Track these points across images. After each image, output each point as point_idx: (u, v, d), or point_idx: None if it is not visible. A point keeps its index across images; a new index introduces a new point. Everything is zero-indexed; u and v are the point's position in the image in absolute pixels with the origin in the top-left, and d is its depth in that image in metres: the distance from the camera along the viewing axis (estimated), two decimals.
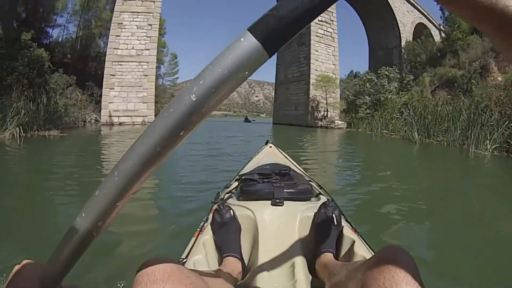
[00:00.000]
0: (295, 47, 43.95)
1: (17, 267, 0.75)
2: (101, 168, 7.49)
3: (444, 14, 41.73)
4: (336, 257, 1.64)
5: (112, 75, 30.19)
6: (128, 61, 30.79)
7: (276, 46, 0.56)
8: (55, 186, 5.63)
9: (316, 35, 41.17)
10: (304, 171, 2.94)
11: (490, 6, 0.54)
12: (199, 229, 1.87)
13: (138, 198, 4.78)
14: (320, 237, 1.70)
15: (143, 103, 30.77)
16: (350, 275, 0.99)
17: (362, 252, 1.55)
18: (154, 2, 32.26)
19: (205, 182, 6.04)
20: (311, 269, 1.60)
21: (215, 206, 1.92)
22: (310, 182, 2.42)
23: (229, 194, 2.23)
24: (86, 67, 36.72)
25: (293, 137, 20.61)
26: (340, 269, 1.18)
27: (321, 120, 38.60)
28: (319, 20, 40.92)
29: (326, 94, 39.09)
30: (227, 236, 1.75)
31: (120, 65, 30.56)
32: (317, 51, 41.02)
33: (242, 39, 0.55)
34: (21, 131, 13.11)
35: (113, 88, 30.04)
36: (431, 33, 49.05)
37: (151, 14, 32.05)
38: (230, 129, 29.15)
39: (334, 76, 41.06)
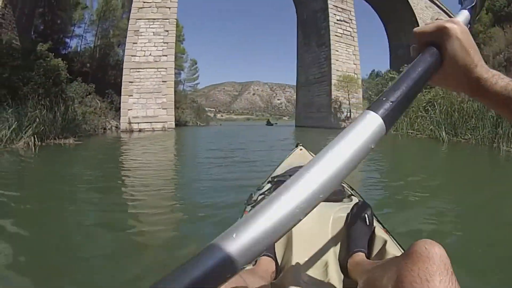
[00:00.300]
0: (315, 48, 43.70)
1: None
2: (105, 180, 7.19)
3: None
4: (368, 256, 1.61)
5: (130, 82, 30.16)
6: (146, 68, 30.74)
7: (393, 120, 0.67)
8: (53, 200, 5.34)
9: (336, 35, 40.78)
10: None
11: (506, 95, 0.74)
12: None
13: (169, 208, 5.03)
14: (353, 237, 1.67)
15: (163, 109, 30.58)
16: (384, 270, 0.96)
17: (394, 251, 1.54)
18: (169, 8, 32.32)
19: (236, 186, 6.08)
20: (343, 268, 1.59)
21: (249, 208, 1.98)
22: (342, 184, 2.39)
23: (263, 195, 2.24)
24: (105, 75, 36.99)
25: (318, 140, 20.03)
26: (373, 267, 1.16)
27: (344, 121, 38.01)
28: (337, 20, 40.87)
29: (348, 95, 38.66)
30: None
31: (138, 71, 30.51)
32: (337, 51, 40.58)
33: (367, 116, 0.64)
34: (36, 140, 12.95)
35: (131, 95, 30.02)
36: None
37: (167, 20, 32.10)
38: (252, 134, 28.44)
39: (355, 76, 40.69)
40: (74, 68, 28.75)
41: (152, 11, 31.64)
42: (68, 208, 4.81)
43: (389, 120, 0.64)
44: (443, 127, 16.55)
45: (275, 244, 1.69)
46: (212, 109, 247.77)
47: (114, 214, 4.51)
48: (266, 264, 1.61)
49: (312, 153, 3.43)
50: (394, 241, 1.67)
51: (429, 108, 20.35)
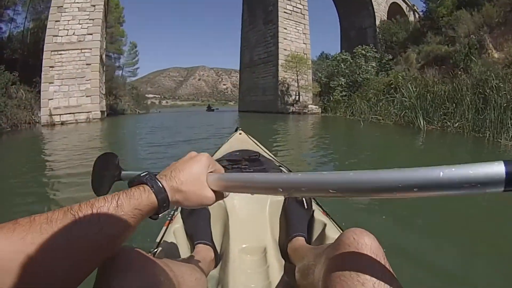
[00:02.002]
0: (261, 26, 41.48)
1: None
2: None
3: None
4: (309, 240, 1.68)
5: (51, 67, 26.17)
6: (69, 49, 26.73)
7: None
8: None
9: (285, 12, 38.48)
10: (274, 157, 2.96)
11: None
12: (169, 218, 1.86)
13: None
14: (291, 222, 1.73)
15: (86, 96, 26.70)
16: (317, 258, 0.98)
17: (334, 235, 1.57)
18: None
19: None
20: (284, 253, 1.63)
21: None
22: (280, 167, 2.50)
23: None
24: (38, 62, 32.57)
25: (261, 128, 17.58)
26: (310, 252, 1.21)
27: (292, 105, 35.94)
28: None
29: (297, 76, 36.27)
30: (197, 224, 1.77)
31: (60, 54, 26.49)
32: (285, 29, 38.33)
33: (496, 165, 0.60)
34: None
35: (52, 82, 25.98)
36: (405, 13, 49.61)
37: None
38: (187, 122, 25.53)
39: (305, 56, 38.20)
40: (4, 55, 26.80)
41: None
42: None
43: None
44: (420, 112, 13.75)
45: (213, 231, 1.76)
46: (157, 96, 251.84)
47: None
48: (204, 252, 1.60)
49: (251, 137, 3.45)
50: (334, 224, 1.70)
51: (393, 91, 17.96)
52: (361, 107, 21.97)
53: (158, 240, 1.63)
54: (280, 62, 36.86)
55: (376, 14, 46.86)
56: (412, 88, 15.54)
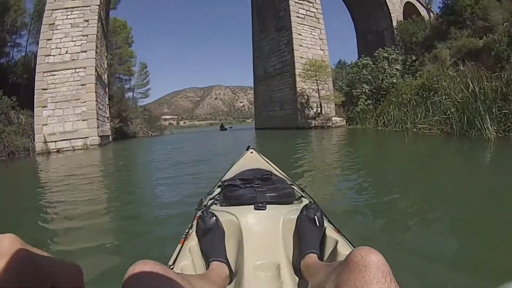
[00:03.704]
0: (274, 34, 38.85)
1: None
2: None
3: None
4: (321, 257, 1.68)
5: (44, 89, 23.85)
6: (62, 69, 24.35)
7: None
8: None
9: (298, 16, 35.74)
10: (286, 175, 2.96)
11: None
12: (184, 236, 1.89)
13: (122, 209, 5.13)
14: (304, 239, 1.74)
15: (83, 120, 23.99)
16: (328, 276, 1.02)
17: (346, 251, 1.58)
18: None
19: (188, 190, 5.87)
20: (297, 270, 1.65)
21: (199, 213, 1.99)
22: (292, 186, 2.49)
23: (212, 200, 2.30)
24: None
25: (279, 150, 14.41)
26: (322, 269, 1.24)
27: (314, 118, 32.86)
28: None
29: (317, 85, 33.13)
30: (212, 242, 1.79)
31: (53, 75, 24.14)
32: (300, 34, 35.56)
33: None
34: None
35: (46, 106, 23.55)
36: (420, 13, 48.68)
37: (88, 8, 25.79)
38: (194, 147, 21.85)
39: (324, 63, 34.97)
40: (9, 80, 26.64)
41: None
42: None
43: None
44: (486, 115, 10.56)
45: (227, 249, 1.77)
46: (175, 117, 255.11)
47: None
48: (219, 269, 1.62)
49: (263, 156, 3.44)
50: (346, 240, 1.73)
51: (431, 94, 16.03)
52: (396, 116, 19.02)
53: (173, 257, 1.64)
54: (297, 71, 33.91)
55: (392, 15, 45.42)
56: (481, 85, 12.19)
